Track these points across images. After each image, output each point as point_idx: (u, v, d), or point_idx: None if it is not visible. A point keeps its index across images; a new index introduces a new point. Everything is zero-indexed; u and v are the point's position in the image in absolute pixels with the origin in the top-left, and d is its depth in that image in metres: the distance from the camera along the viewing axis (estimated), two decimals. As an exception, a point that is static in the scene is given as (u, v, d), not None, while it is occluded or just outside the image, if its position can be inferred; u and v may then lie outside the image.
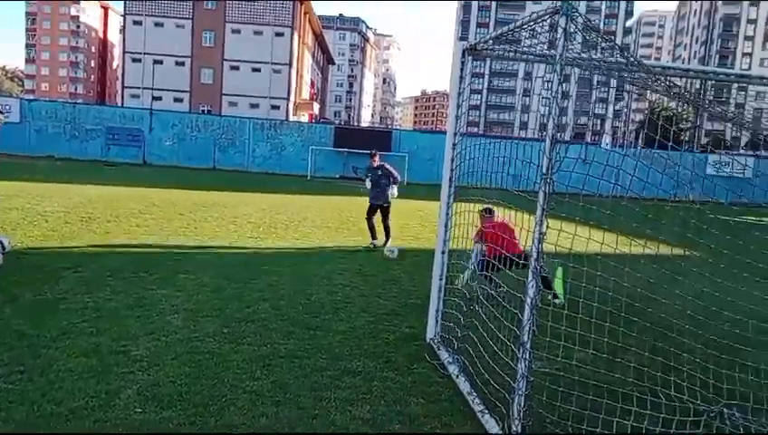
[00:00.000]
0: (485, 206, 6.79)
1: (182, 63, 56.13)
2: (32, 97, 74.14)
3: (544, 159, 3.37)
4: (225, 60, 56.28)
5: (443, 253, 5.25)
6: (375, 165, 10.57)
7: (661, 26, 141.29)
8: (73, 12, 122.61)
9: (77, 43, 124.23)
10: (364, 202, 11.10)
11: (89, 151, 31.78)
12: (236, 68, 56.15)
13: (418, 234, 12.37)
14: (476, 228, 6.36)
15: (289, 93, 57.16)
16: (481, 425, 3.75)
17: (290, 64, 56.86)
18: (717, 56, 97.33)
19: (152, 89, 47.45)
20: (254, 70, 56.15)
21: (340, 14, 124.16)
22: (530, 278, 3.45)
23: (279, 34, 56.22)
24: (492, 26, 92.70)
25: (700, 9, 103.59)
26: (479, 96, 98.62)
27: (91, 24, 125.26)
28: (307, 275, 7.79)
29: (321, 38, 76.39)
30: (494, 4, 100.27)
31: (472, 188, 4.98)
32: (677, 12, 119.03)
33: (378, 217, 10.52)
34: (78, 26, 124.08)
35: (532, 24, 3.79)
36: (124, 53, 57.84)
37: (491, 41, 4.73)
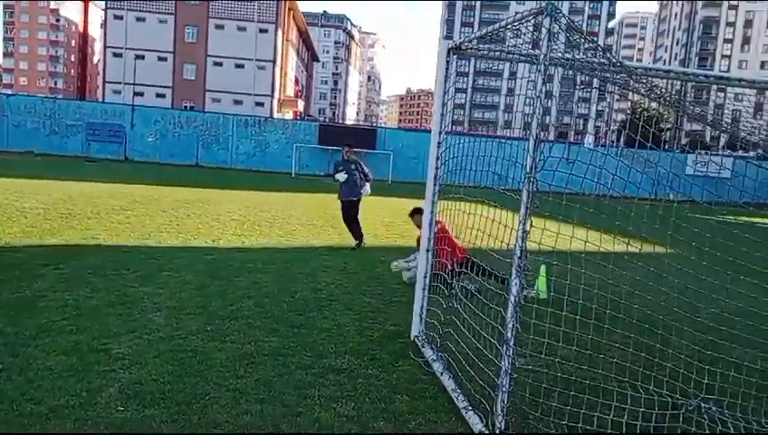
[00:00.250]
0: (415, 206, 6.92)
1: (164, 59, 55.51)
2: (10, 92, 72.76)
3: (528, 158, 3.40)
4: (209, 56, 55.80)
5: (427, 251, 5.28)
6: (346, 158, 10.25)
7: (643, 28, 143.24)
8: (53, 5, 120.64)
9: (57, 36, 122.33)
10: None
11: (69, 147, 31.34)
12: (220, 64, 55.69)
13: (403, 232, 12.39)
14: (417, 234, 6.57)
15: (273, 90, 56.86)
16: (465, 422, 3.78)
17: (274, 61, 56.54)
18: (697, 58, 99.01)
19: (134, 84, 46.93)
20: (238, 66, 55.76)
21: (325, 11, 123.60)
22: (513, 276, 3.48)
23: (263, 31, 55.87)
24: (476, 26, 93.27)
25: (680, 12, 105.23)
26: (464, 95, 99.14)
27: (70, 17, 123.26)
28: (291, 273, 7.77)
29: (306, 35, 76.07)
30: (478, 3, 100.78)
31: (456, 186, 5.00)
32: (658, 14, 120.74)
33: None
34: (57, 20, 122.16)
35: (516, 24, 3.82)
36: (105, 47, 56.98)
37: (476, 40, 4.76)
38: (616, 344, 4.77)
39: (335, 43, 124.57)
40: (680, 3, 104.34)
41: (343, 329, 5.55)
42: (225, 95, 54.94)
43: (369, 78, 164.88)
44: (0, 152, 27.65)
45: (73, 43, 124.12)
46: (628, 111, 64.20)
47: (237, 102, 54.44)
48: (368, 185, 10.28)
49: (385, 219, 14.27)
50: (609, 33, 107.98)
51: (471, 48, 4.88)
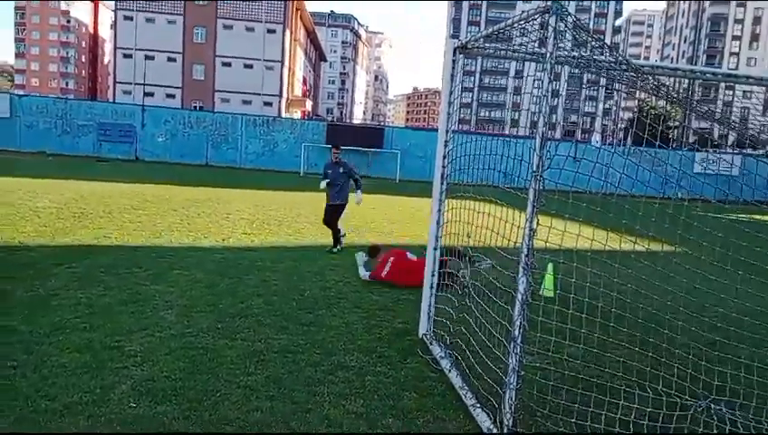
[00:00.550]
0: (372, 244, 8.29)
1: (174, 59, 55.73)
2: (22, 92, 73.44)
3: (535, 157, 3.42)
4: (217, 56, 55.95)
5: (435, 249, 5.31)
6: (335, 160, 9.66)
7: (650, 26, 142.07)
8: (63, 6, 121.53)
9: (67, 38, 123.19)
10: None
11: (80, 147, 31.56)
12: (228, 64, 55.85)
13: (411, 231, 12.42)
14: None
15: (281, 90, 56.96)
16: (473, 419, 3.80)
17: (282, 61, 56.62)
18: (705, 56, 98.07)
19: (144, 84, 47.18)
20: (247, 66, 55.89)
21: (332, 11, 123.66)
22: (520, 274, 3.50)
23: (271, 31, 55.96)
24: (483, 25, 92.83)
25: (688, 9, 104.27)
26: (471, 94, 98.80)
27: (81, 18, 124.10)
28: (300, 271, 7.82)
29: (314, 35, 76.15)
30: (484, 3, 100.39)
31: (464, 185, 5.02)
32: (666, 12, 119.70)
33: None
34: (68, 21, 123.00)
35: (522, 22, 3.84)
36: (115, 48, 57.23)
37: (482, 39, 4.78)
38: (623, 343, 4.77)
39: (342, 42, 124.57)
40: (688, 0, 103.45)
41: (352, 327, 5.60)
42: (233, 95, 55.11)
43: (376, 77, 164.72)
44: (13, 152, 27.94)
45: (84, 44, 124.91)
46: (636, 109, 63.75)
47: (246, 102, 54.58)
48: (359, 192, 9.70)
49: (392, 217, 14.29)
50: (617, 31, 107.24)
51: (477, 47, 4.90)
